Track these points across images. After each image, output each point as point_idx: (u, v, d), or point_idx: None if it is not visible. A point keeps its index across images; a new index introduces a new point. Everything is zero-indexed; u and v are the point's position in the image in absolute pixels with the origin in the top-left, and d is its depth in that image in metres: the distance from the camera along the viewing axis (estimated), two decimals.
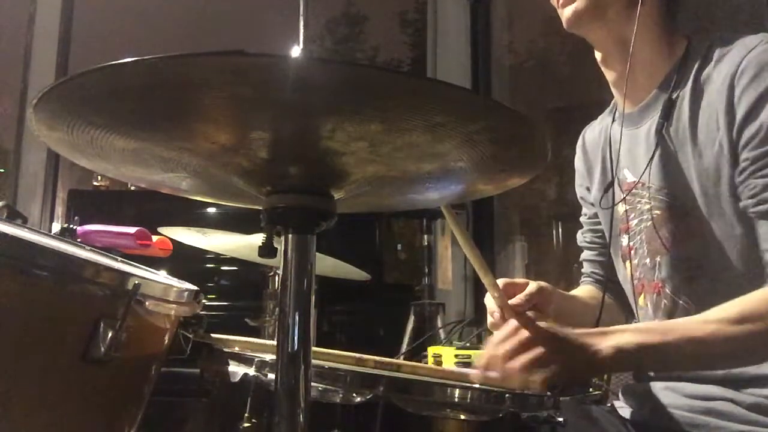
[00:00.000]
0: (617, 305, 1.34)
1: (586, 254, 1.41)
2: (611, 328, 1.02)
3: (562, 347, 0.97)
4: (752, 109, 1.00)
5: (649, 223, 1.15)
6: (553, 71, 3.76)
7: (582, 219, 1.42)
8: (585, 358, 0.96)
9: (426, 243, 2.78)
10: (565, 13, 1.15)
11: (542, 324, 1.01)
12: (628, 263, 1.23)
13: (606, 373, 1.00)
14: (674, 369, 1.14)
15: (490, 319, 1.15)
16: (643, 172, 1.14)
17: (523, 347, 0.95)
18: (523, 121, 0.65)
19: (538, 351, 0.94)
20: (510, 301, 1.13)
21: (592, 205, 1.37)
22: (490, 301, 1.15)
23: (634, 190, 1.19)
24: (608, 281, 1.29)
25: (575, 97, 3.36)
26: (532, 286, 1.19)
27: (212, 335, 1.07)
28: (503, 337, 0.97)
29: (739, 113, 1.01)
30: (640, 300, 1.20)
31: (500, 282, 1.16)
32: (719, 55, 1.07)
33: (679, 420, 1.09)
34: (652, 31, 1.15)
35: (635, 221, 1.20)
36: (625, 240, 1.23)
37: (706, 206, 1.06)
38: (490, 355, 0.96)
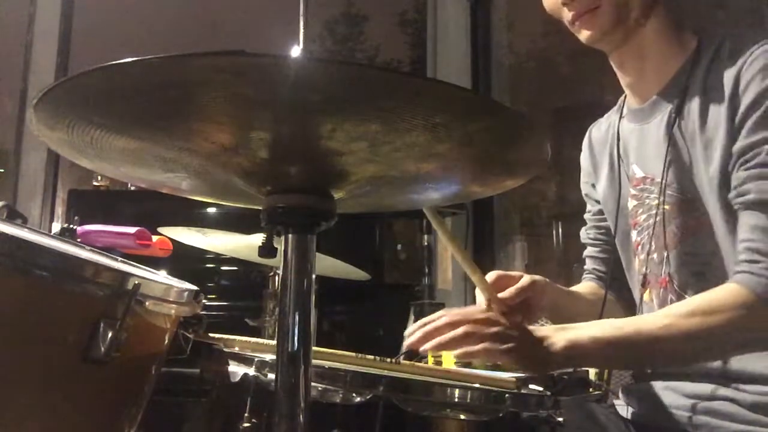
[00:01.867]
0: (617, 301, 1.34)
1: (589, 251, 1.41)
2: (572, 324, 1.04)
3: (518, 335, 0.99)
4: (753, 103, 1.01)
5: (659, 218, 1.15)
6: (553, 71, 3.76)
7: (586, 216, 1.43)
8: (538, 349, 0.99)
9: (426, 243, 2.78)
10: (588, 31, 1.14)
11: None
12: (636, 258, 1.24)
13: (561, 368, 1.02)
14: (632, 364, 1.17)
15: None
16: (663, 171, 1.13)
17: (478, 327, 0.98)
18: (523, 121, 0.65)
19: (490, 331, 0.97)
20: (500, 295, 1.14)
21: (597, 202, 1.37)
22: (480, 294, 1.15)
23: (643, 185, 1.20)
24: (611, 278, 1.29)
25: (575, 97, 3.36)
26: (525, 279, 1.19)
27: (214, 335, 1.07)
28: (460, 317, 1.00)
29: (741, 106, 1.02)
30: (645, 295, 1.20)
31: (493, 274, 1.18)
32: (730, 51, 1.07)
33: (679, 419, 1.09)
34: (663, 31, 1.16)
35: (644, 216, 1.20)
36: (634, 235, 1.23)
37: (714, 202, 1.07)
38: (435, 327, 0.98)
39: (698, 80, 1.10)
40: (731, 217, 1.05)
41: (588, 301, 1.31)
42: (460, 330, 0.97)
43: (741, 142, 1.02)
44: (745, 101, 1.02)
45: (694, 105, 1.09)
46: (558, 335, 1.00)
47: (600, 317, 1.18)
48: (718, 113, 1.05)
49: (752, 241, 1.00)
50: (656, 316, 1.04)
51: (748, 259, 1.00)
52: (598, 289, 1.36)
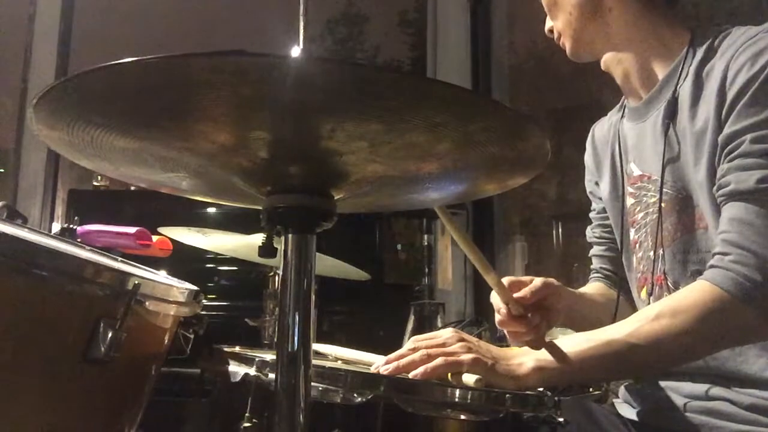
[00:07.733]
0: (626, 300, 1.33)
1: (595, 250, 1.41)
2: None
3: (489, 352, 1.00)
4: (739, 92, 1.00)
5: (655, 216, 1.16)
6: (553, 71, 3.75)
7: (591, 214, 1.43)
8: (507, 369, 0.98)
9: (426, 243, 2.77)
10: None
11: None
12: (634, 257, 1.24)
13: (534, 387, 0.98)
14: (605, 375, 1.17)
15: (497, 317, 1.11)
16: (662, 169, 1.13)
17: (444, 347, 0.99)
18: (523, 121, 0.65)
19: (457, 348, 0.98)
20: (515, 295, 1.10)
21: (601, 199, 1.37)
22: (496, 298, 1.12)
23: (640, 183, 1.21)
24: (619, 277, 1.28)
25: (575, 97, 3.36)
26: (537, 281, 1.14)
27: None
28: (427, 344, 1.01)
29: (728, 98, 1.02)
30: (642, 293, 1.20)
31: (505, 280, 1.15)
32: (723, 47, 1.07)
33: (679, 419, 1.09)
34: (647, 30, 1.16)
35: (641, 214, 1.21)
36: (632, 233, 1.24)
37: (705, 199, 1.06)
38: (406, 353, 0.99)
39: (690, 77, 1.10)
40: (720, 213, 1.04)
41: (600, 304, 1.30)
42: (417, 355, 0.97)
43: (725, 131, 1.01)
44: (732, 92, 1.01)
45: (685, 102, 1.10)
46: (528, 356, 1.00)
47: (614, 319, 1.16)
48: (708, 109, 1.05)
49: (727, 232, 0.99)
50: (624, 324, 1.01)
51: (719, 251, 0.99)
52: (606, 290, 1.35)
